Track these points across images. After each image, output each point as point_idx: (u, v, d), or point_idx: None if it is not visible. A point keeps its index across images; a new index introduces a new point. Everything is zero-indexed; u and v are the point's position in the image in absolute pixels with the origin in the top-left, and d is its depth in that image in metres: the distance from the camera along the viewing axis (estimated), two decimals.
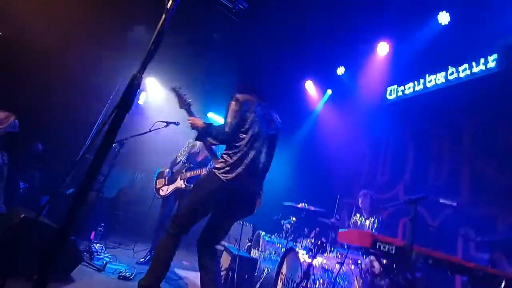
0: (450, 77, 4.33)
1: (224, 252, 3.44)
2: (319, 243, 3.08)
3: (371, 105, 5.56)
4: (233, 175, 2.00)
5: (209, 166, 3.42)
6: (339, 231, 2.38)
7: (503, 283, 1.97)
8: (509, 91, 3.52)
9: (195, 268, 3.31)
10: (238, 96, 2.16)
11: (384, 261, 2.58)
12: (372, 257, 2.79)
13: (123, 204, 6.08)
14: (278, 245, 4.11)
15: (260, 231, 4.36)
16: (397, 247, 2.03)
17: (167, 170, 3.84)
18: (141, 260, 3.57)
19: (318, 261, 2.90)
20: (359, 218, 3.68)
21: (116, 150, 3.47)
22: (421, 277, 2.66)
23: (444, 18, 4.43)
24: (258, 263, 3.55)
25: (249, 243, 4.44)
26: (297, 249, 3.10)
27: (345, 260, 2.86)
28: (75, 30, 4.95)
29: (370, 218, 3.55)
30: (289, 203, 4.03)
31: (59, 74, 4.87)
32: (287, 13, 5.36)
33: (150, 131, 3.38)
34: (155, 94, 7.01)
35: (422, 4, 4.59)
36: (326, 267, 2.86)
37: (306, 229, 3.92)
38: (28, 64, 4.62)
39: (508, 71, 3.65)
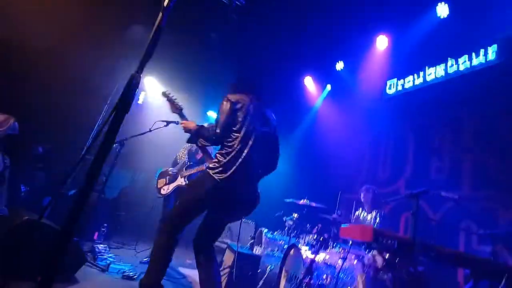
0: (449, 70, 4.31)
1: (227, 249, 3.45)
2: (321, 239, 3.10)
3: (371, 100, 5.54)
4: (227, 174, 1.99)
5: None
6: (341, 226, 2.38)
7: (506, 275, 1.98)
8: (510, 82, 3.50)
9: None
10: (229, 96, 2.17)
11: (387, 256, 2.58)
12: (375, 252, 2.79)
13: (125, 204, 6.09)
14: (281, 241, 4.12)
15: (263, 228, 4.37)
16: (399, 241, 2.03)
17: (171, 169, 3.85)
18: (145, 259, 3.58)
19: (320, 257, 2.90)
20: (361, 213, 3.69)
21: (117, 150, 3.47)
22: (424, 271, 2.67)
23: (443, 10, 4.40)
24: (261, 260, 3.56)
25: (252, 241, 4.45)
26: (299, 246, 3.11)
27: (348, 255, 2.87)
28: (75, 30, 4.93)
29: (372, 213, 3.55)
30: (291, 200, 4.04)
31: (59, 74, 4.86)
32: (285, 9, 5.33)
33: (150, 130, 3.39)
34: (155, 93, 6.99)
35: None
36: (329, 263, 2.86)
37: (308, 225, 3.93)
38: (27, 64, 4.60)
39: (508, 62, 3.63)
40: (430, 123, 4.43)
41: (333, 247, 3.36)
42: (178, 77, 6.85)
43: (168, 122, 3.37)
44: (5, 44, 4.34)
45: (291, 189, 5.84)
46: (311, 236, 3.67)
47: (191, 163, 3.73)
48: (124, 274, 2.90)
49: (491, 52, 3.85)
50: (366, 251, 2.88)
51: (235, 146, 2.07)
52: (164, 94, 2.58)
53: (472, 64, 4.03)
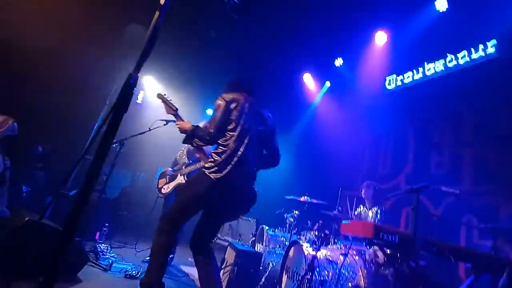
0: (449, 64, 4.30)
1: (228, 247, 3.46)
2: (322, 235, 3.10)
3: (371, 96, 5.53)
4: (222, 174, 1.99)
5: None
6: (342, 222, 2.39)
7: (507, 269, 1.98)
8: (509, 76, 3.49)
9: None
10: (224, 95, 2.17)
11: (388, 251, 2.59)
12: (376, 247, 2.80)
13: (126, 204, 6.11)
14: (282, 238, 4.13)
15: (264, 226, 4.38)
16: (401, 236, 2.04)
17: (169, 169, 3.87)
18: (147, 258, 3.59)
19: (322, 253, 2.91)
20: (362, 209, 3.69)
21: (117, 150, 3.47)
22: (425, 265, 2.68)
23: (441, 4, 4.38)
24: (263, 257, 3.57)
25: (253, 238, 4.47)
26: (301, 242, 3.11)
27: (349, 251, 2.88)
28: (75, 30, 4.92)
29: (373, 209, 3.56)
30: (291, 197, 4.04)
31: (59, 74, 4.85)
32: (283, 6, 5.31)
33: (149, 130, 3.39)
34: (154, 92, 6.98)
35: None
36: (331, 259, 2.87)
37: (309, 222, 3.94)
38: (27, 64, 4.59)
39: (507, 56, 3.62)
40: (430, 118, 4.42)
41: (334, 243, 3.37)
42: (177, 76, 6.85)
43: (167, 121, 3.36)
44: (5, 44, 4.33)
45: (292, 186, 5.85)
46: (312, 232, 3.68)
47: (190, 161, 3.74)
48: (127, 273, 2.91)
49: (491, 46, 3.83)
50: (367, 246, 2.89)
51: (230, 145, 2.07)
52: (159, 95, 2.61)
53: (472, 58, 4.02)
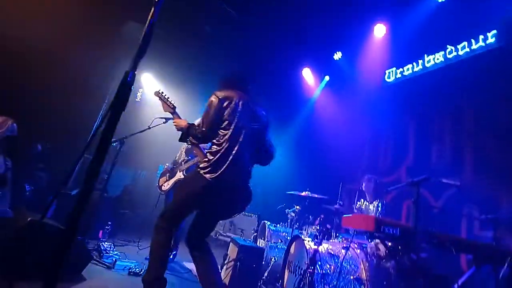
0: (449, 56, 4.27)
1: (231, 243, 3.48)
2: (324, 229, 3.12)
3: (370, 89, 5.51)
4: (217, 174, 1.98)
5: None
6: (343, 216, 2.39)
7: (508, 259, 1.99)
8: (510, 66, 3.46)
9: None
10: (217, 92, 2.14)
11: (389, 244, 2.60)
12: (377, 240, 2.81)
13: (128, 202, 6.14)
14: (284, 233, 4.16)
15: (265, 221, 4.40)
16: (402, 229, 2.04)
17: (168, 164, 3.92)
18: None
19: (324, 247, 2.93)
20: (363, 202, 3.70)
21: (117, 148, 3.48)
22: (427, 258, 2.69)
23: None
24: (265, 252, 3.59)
25: (255, 233, 4.49)
26: (302, 237, 3.13)
27: (351, 245, 2.89)
28: (75, 30, 4.90)
29: (374, 202, 3.56)
30: (293, 192, 4.05)
31: (58, 74, 4.84)
32: (281, 1, 5.26)
33: (149, 128, 3.39)
34: (152, 90, 6.96)
35: None
36: (332, 253, 2.89)
37: (310, 217, 3.96)
38: (27, 64, 4.58)
39: (508, 46, 3.59)
40: (430, 110, 4.40)
41: (336, 237, 3.38)
42: (176, 73, 6.81)
43: (167, 119, 3.36)
44: (5, 44, 4.31)
45: (293, 181, 5.86)
46: (313, 227, 3.70)
47: (189, 157, 3.77)
48: (130, 270, 2.94)
49: (491, 37, 3.79)
50: (369, 240, 2.90)
51: (224, 144, 2.04)
52: (156, 93, 2.61)
53: (472, 49, 3.99)
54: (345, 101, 6.02)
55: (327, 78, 6.65)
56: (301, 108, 7.14)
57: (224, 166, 2.00)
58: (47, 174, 4.47)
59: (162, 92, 2.60)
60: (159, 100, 2.57)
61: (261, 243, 4.25)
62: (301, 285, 2.52)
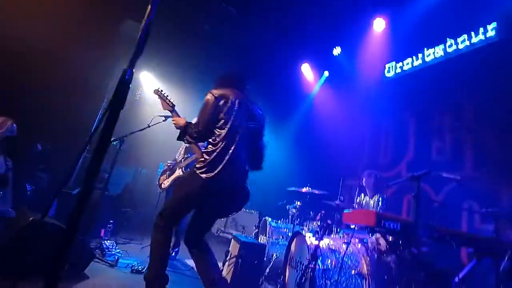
0: (449, 50, 4.24)
1: (232, 240, 3.50)
2: (325, 225, 3.13)
3: (370, 84, 5.49)
4: (213, 173, 1.97)
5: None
6: (344, 212, 2.40)
7: (509, 252, 2.00)
8: (510, 60, 3.44)
9: None
10: (213, 91, 2.12)
11: (390, 238, 2.61)
12: (378, 235, 2.82)
13: (129, 200, 6.15)
14: (285, 230, 4.17)
15: (267, 218, 4.41)
16: (402, 223, 2.05)
17: (169, 162, 3.93)
18: None
19: (325, 242, 2.94)
20: (364, 198, 3.71)
21: (117, 147, 3.48)
22: (427, 252, 2.70)
23: None
24: (267, 248, 3.61)
25: (256, 230, 4.51)
26: (303, 233, 3.14)
27: (352, 240, 2.90)
28: (75, 30, 4.88)
29: (374, 198, 3.57)
30: (293, 188, 4.06)
31: (58, 74, 4.83)
32: None
33: (149, 126, 3.39)
34: (151, 89, 6.93)
35: None
36: (333, 248, 2.90)
37: (311, 213, 3.96)
38: (27, 64, 4.57)
39: (508, 39, 3.56)
40: (430, 104, 4.39)
41: (337, 232, 3.40)
42: (175, 72, 6.79)
43: (166, 117, 3.36)
44: (4, 44, 4.30)
45: (293, 177, 5.86)
46: (314, 223, 3.71)
47: (189, 155, 3.78)
48: (133, 268, 2.95)
49: (491, 30, 3.77)
50: (369, 235, 2.91)
51: (219, 143, 2.03)
52: (156, 91, 2.60)
53: (472, 42, 3.96)
54: (345, 96, 6.00)
55: (326, 73, 6.62)
56: (301, 103, 7.12)
57: (221, 166, 1.99)
58: (47, 175, 4.48)
59: (162, 90, 2.60)
60: (158, 98, 2.57)
61: (262, 239, 4.27)
62: (302, 281, 2.53)
